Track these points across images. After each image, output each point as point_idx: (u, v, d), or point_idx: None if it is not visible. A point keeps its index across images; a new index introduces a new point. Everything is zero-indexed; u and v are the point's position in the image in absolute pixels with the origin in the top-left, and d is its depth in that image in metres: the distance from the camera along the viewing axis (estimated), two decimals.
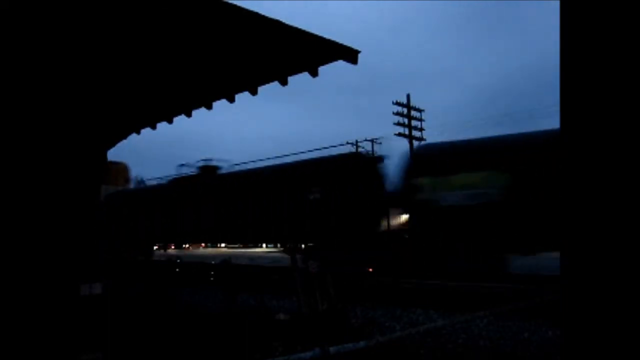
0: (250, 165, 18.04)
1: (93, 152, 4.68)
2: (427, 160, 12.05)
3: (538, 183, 10.17)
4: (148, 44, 3.73)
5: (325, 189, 12.48)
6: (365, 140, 28.52)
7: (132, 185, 27.71)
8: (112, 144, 5.31)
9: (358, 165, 12.69)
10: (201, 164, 18.30)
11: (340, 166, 12.75)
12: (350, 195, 12.14)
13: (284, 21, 3.42)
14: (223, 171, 18.00)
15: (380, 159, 13.15)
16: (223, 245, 21.27)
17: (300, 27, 3.57)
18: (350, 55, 3.91)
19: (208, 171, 18.01)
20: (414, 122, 26.50)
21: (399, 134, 26.18)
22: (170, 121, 5.54)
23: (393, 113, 26.31)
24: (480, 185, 10.76)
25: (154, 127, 5.79)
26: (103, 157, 4.90)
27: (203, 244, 22.16)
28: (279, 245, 15.94)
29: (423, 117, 26.99)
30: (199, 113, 5.27)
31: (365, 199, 12.15)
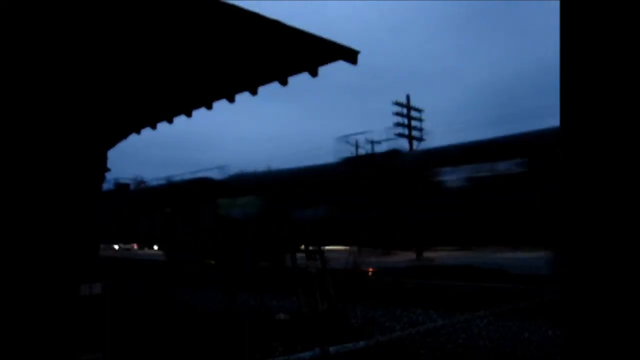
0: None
1: (93, 152, 4.69)
2: (225, 186, 16.92)
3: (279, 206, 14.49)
4: (148, 44, 3.73)
5: (176, 205, 17.81)
6: (366, 140, 28.56)
7: None
8: (112, 144, 5.31)
9: (195, 189, 17.52)
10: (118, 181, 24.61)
11: (187, 188, 17.95)
12: (193, 209, 17.27)
13: (283, 21, 3.43)
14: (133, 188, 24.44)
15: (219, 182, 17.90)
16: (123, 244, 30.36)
17: (300, 27, 3.57)
18: (350, 55, 3.91)
19: (121, 188, 23.82)
20: (413, 122, 26.53)
21: (399, 134, 26.21)
22: (170, 121, 5.54)
23: (393, 113, 26.35)
24: (248, 206, 15.22)
25: (154, 127, 5.79)
26: (103, 157, 4.90)
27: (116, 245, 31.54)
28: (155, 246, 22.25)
29: (422, 117, 27.01)
30: (199, 113, 5.27)
31: (204, 213, 16.81)
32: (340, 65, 4.09)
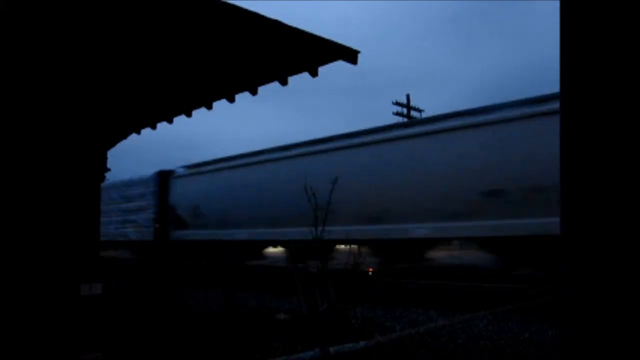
0: None
1: (93, 152, 4.68)
2: None
3: None
4: (148, 44, 3.73)
5: None
6: None
7: None
8: (112, 144, 5.31)
9: None
10: None
11: None
12: None
13: (283, 21, 3.43)
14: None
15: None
16: None
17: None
18: (350, 55, 3.91)
19: None
20: None
21: None
22: (170, 121, 5.54)
23: (393, 113, 26.34)
24: None
25: (154, 127, 5.79)
26: (103, 157, 4.90)
27: None
28: None
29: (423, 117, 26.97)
30: (199, 113, 5.27)
31: None
32: (335, 67, 4.11)
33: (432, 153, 9.07)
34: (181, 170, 16.17)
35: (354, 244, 10.74)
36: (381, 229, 9.72)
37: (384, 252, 11.24)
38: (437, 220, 8.90)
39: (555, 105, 7.37)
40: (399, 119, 26.23)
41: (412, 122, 10.55)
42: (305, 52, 3.93)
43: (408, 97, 26.90)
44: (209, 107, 5.02)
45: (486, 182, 7.51)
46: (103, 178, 5.04)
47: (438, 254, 11.65)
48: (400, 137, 9.91)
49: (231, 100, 4.79)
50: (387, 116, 27.16)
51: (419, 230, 9.13)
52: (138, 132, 5.91)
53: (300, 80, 4.33)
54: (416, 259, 11.34)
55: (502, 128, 8.23)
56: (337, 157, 10.52)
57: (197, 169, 15.46)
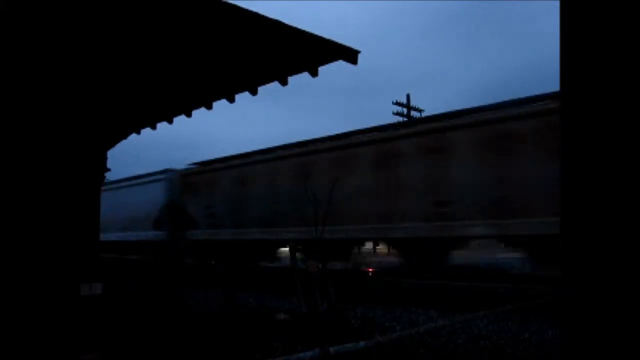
0: None
1: (93, 152, 4.69)
2: None
3: None
4: (148, 44, 3.73)
5: None
6: None
7: None
8: (112, 144, 5.32)
9: None
10: None
11: None
12: None
13: (283, 21, 3.43)
14: None
15: None
16: None
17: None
18: (350, 55, 3.91)
19: None
20: None
21: None
22: (170, 121, 5.55)
23: (393, 113, 26.33)
24: None
25: (154, 127, 5.79)
26: (103, 157, 4.91)
27: None
28: None
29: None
30: (199, 113, 5.27)
31: None
32: (335, 67, 4.08)
33: (129, 197, 19.37)
34: None
35: (114, 244, 20.43)
36: (121, 235, 19.63)
37: (131, 249, 20.63)
38: (136, 231, 18.83)
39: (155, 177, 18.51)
40: (399, 119, 26.22)
41: (128, 177, 20.54)
42: (306, 52, 3.94)
43: (408, 97, 26.90)
44: (209, 107, 5.03)
45: (145, 213, 18.10)
46: (103, 178, 5.05)
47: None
48: (122, 187, 20.22)
49: (231, 100, 4.80)
50: (387, 116, 27.15)
51: (130, 235, 19.25)
52: (138, 132, 5.91)
53: (300, 80, 4.32)
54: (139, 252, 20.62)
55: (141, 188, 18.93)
56: (120, 194, 20.19)
57: None
